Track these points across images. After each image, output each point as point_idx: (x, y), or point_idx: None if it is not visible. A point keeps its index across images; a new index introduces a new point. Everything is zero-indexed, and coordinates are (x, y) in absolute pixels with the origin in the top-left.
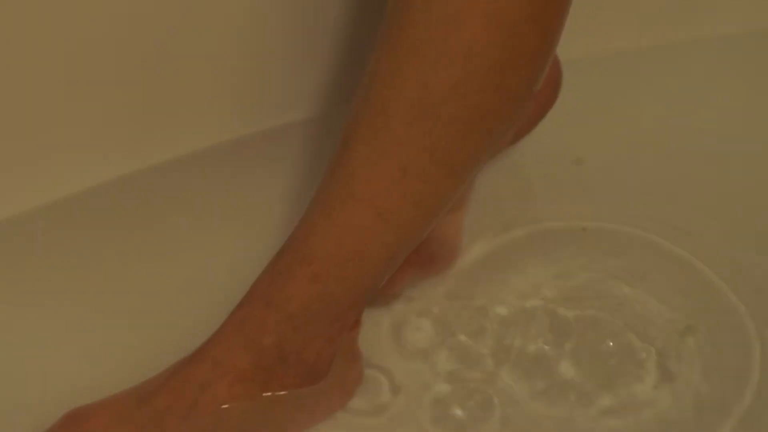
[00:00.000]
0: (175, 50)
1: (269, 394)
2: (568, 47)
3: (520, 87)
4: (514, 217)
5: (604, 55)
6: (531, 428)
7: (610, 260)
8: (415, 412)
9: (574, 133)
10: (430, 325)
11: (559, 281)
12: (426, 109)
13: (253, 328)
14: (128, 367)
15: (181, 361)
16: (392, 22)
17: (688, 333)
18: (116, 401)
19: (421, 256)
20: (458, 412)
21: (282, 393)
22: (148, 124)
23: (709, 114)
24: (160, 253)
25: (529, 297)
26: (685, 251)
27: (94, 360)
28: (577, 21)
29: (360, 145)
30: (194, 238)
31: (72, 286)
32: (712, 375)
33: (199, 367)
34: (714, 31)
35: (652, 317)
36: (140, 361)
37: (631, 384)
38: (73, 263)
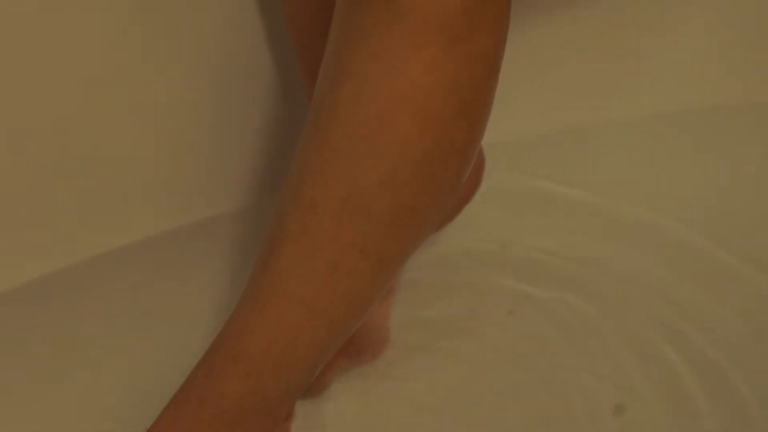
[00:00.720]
0: (95, 145)
1: None
2: (493, 131)
3: (449, 180)
4: (441, 304)
5: (528, 137)
6: None
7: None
8: None
9: (500, 217)
10: None
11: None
12: (355, 207)
13: (187, 427)
14: None
15: None
16: (319, 119)
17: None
18: None
19: (351, 346)
20: None
21: None
22: (70, 221)
23: (641, 193)
24: (88, 352)
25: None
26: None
27: None
28: (501, 105)
29: (289, 242)
30: (120, 336)
31: None
32: None
33: None
34: (642, 111)
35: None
36: None
37: None
38: None
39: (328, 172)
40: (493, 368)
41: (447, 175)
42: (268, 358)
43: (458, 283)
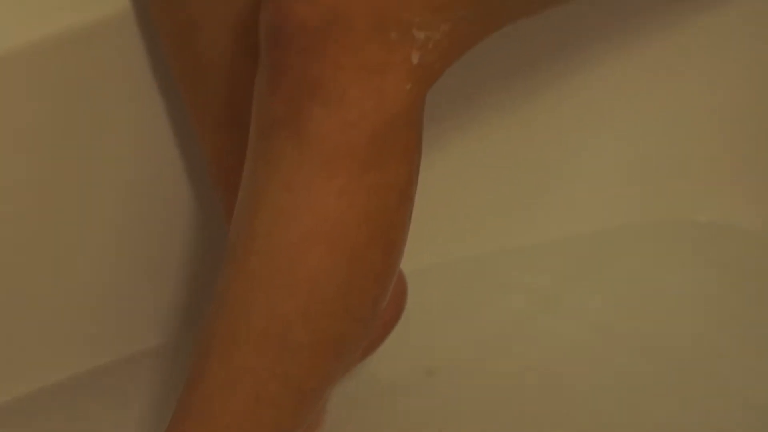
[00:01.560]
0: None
1: None
2: (413, 258)
3: (367, 308)
4: None
5: (449, 263)
6: None
7: None
8: None
9: (424, 343)
10: None
11: None
12: (275, 337)
13: None
14: None
15: None
16: (236, 251)
17: None
18: None
19: None
20: None
21: None
22: None
23: (559, 316)
24: None
25: None
26: None
27: None
28: (419, 231)
29: (212, 374)
30: None
31: None
32: None
33: None
34: (557, 233)
35: None
36: None
37: None
38: None
39: (246, 304)
40: None
41: (364, 303)
42: None
43: (383, 415)
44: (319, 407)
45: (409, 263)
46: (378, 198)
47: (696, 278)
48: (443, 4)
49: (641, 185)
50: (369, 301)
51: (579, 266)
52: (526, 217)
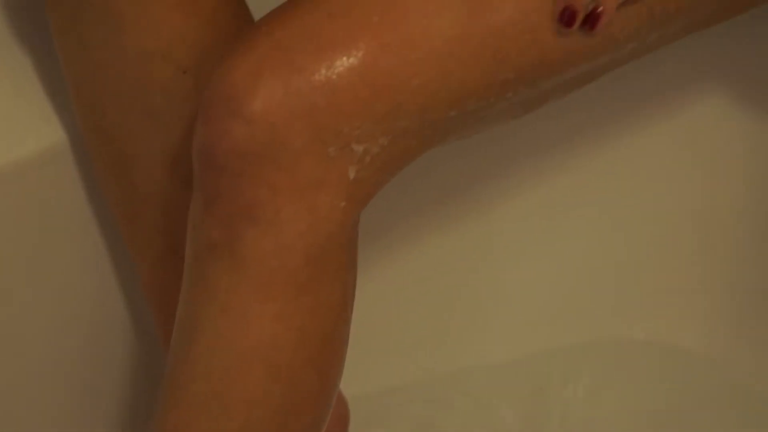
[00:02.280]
0: None
1: None
2: (354, 382)
3: (305, 430)
4: None
5: (391, 388)
6: None
7: None
8: None
9: None
10: None
11: None
12: None
13: None
14: None
15: None
16: (174, 377)
17: None
18: None
19: None
20: None
21: None
22: None
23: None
24: None
25: None
26: None
27: None
28: (358, 355)
29: None
30: None
31: None
32: None
33: None
34: (495, 357)
35: None
36: None
37: None
38: None
39: (185, 430)
40: None
41: (302, 425)
42: None
43: None
44: None
45: (352, 387)
46: (313, 320)
47: (635, 397)
48: (386, 114)
49: (578, 305)
50: (307, 423)
51: (518, 389)
52: (463, 341)
